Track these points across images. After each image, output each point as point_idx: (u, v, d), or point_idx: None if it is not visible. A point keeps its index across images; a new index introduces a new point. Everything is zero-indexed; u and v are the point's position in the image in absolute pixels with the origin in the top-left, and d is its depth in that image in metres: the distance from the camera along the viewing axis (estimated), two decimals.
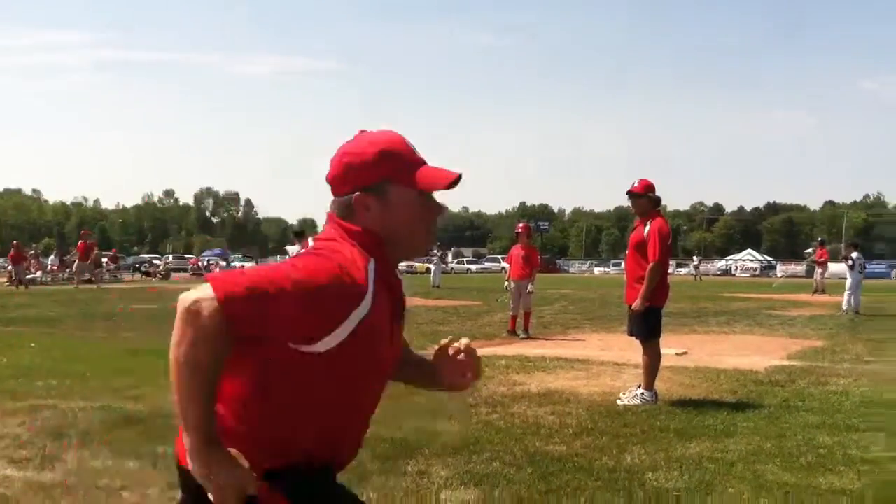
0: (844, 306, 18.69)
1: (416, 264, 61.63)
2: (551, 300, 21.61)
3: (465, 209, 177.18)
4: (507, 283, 13.60)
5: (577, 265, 76.00)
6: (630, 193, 7.27)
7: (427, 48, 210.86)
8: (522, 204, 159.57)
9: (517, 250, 13.44)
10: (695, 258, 58.49)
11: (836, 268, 50.39)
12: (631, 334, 7.40)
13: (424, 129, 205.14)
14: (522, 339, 12.61)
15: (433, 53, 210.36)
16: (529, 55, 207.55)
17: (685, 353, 10.52)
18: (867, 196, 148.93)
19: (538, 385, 7.99)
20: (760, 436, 5.87)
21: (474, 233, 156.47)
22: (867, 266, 23.66)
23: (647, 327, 7.16)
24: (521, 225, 14.16)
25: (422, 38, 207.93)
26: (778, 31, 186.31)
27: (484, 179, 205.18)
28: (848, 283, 19.09)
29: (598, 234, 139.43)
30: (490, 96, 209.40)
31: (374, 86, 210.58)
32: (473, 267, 72.75)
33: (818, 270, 30.10)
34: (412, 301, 21.18)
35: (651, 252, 7.06)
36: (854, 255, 20.01)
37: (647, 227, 7.14)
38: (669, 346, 9.07)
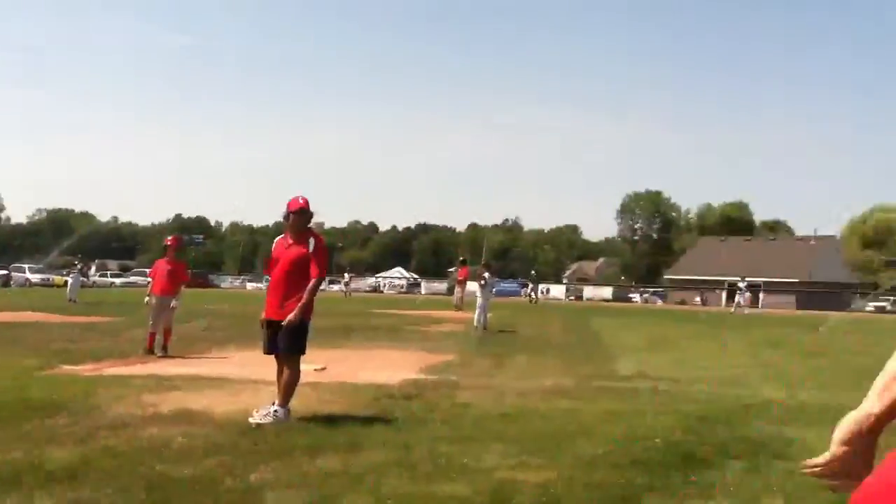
0: (475, 323, 20.06)
1: (55, 277, 57.36)
2: (197, 316, 21.07)
3: (115, 219, 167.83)
4: (147, 297, 13.00)
5: (229, 280, 74.62)
6: (299, 210, 7.26)
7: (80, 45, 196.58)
8: (178, 216, 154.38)
9: (162, 264, 12.93)
10: (346, 275, 59.86)
11: (473, 286, 53.72)
12: (270, 352, 7.35)
13: (77, 133, 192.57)
14: (160, 357, 12.13)
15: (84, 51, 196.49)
16: (186, 65, 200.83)
17: (323, 368, 10.69)
18: (506, 220, 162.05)
19: (171, 405, 7.70)
20: (388, 448, 6.08)
21: (123, 244, 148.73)
22: (501, 284, 25.68)
23: (299, 343, 7.20)
24: (170, 238, 13.66)
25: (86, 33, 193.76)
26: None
27: (137, 189, 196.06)
28: (479, 301, 20.50)
29: (256, 249, 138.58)
30: (143, 103, 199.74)
31: None
32: (118, 280, 68.93)
33: (457, 288, 32.07)
34: (47, 317, 19.75)
35: (319, 268, 7.20)
36: (486, 275, 21.56)
37: (313, 243, 7.23)
38: (310, 362, 9.17)
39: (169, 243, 13.32)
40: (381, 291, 69.93)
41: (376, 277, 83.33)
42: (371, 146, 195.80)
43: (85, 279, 38.46)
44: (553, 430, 7.04)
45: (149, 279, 13.39)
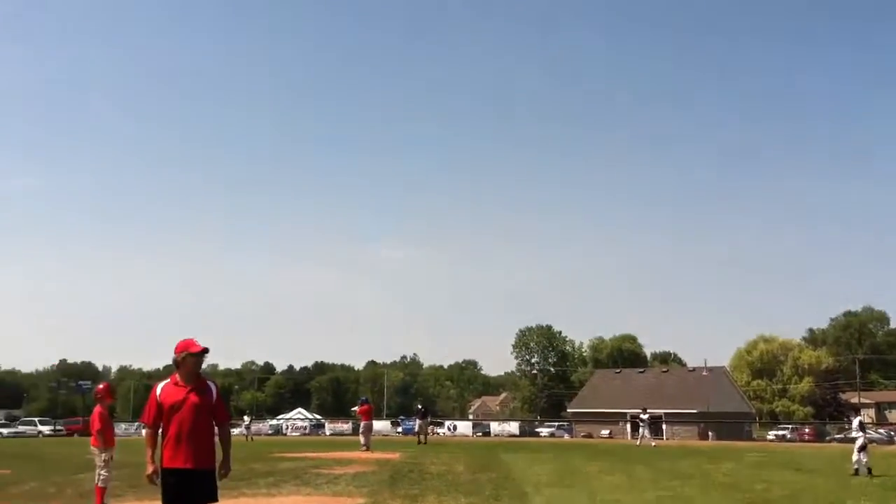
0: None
1: None
2: (91, 467, 19.95)
3: None
4: (99, 451, 11.97)
5: (123, 427, 71.37)
6: (201, 352, 6.99)
7: None
8: (63, 361, 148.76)
9: (104, 414, 12.19)
10: (245, 418, 58.20)
11: (378, 425, 52.67)
12: (194, 501, 6.88)
13: None
14: None
15: None
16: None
17: None
18: (404, 357, 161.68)
19: None
20: None
21: (6, 392, 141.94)
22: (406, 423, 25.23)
23: (216, 491, 6.86)
24: (102, 385, 12.89)
25: None
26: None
27: (18, 333, 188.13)
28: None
29: (146, 394, 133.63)
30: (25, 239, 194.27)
31: None
32: (5, 431, 65.40)
33: (363, 424, 31.52)
34: None
35: (227, 413, 7.10)
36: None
37: (214, 388, 7.02)
38: None
39: (102, 391, 12.54)
40: (285, 434, 68.02)
41: (278, 419, 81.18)
42: (261, 284, 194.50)
43: None
44: None
45: (93, 430, 12.20)
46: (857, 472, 19.81)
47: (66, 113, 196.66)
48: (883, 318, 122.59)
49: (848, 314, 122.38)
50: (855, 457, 20.36)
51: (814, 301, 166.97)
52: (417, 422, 41.47)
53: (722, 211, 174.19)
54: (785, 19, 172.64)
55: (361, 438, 31.12)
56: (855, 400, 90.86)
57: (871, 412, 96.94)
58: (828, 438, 60.00)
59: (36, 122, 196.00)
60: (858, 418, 22.29)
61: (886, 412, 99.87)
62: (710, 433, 63.42)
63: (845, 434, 59.37)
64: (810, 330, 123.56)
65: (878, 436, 55.31)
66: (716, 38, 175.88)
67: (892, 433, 55.45)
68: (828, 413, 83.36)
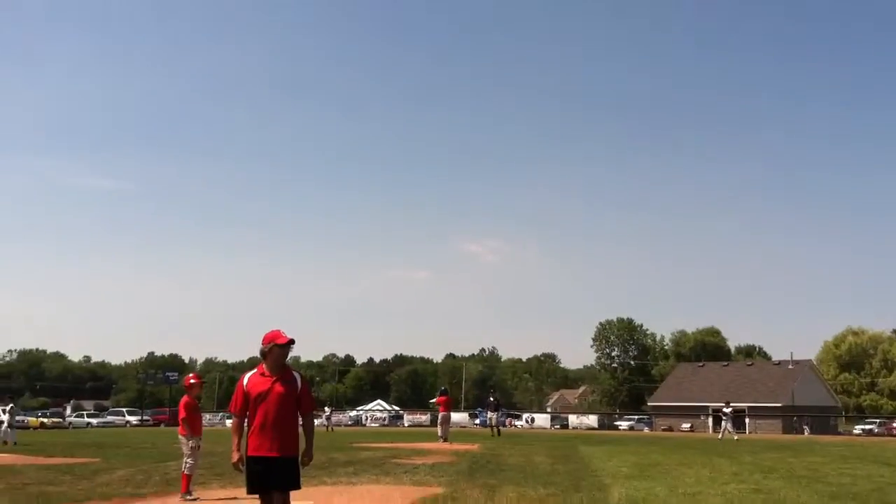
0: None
1: (29, 418, 56.43)
2: (177, 455, 20.51)
3: (87, 359, 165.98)
4: (189, 439, 12.39)
5: (208, 417, 73.03)
6: (288, 343, 7.13)
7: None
8: (151, 354, 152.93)
9: (192, 403, 12.64)
10: (326, 408, 59.05)
11: (456, 417, 52.77)
12: (261, 490, 7.07)
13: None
14: (193, 500, 11.72)
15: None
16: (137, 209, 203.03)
17: None
18: (483, 349, 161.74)
19: None
20: None
21: (97, 384, 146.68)
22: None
23: (299, 479, 7.03)
24: (193, 376, 13.27)
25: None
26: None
27: (107, 327, 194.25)
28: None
29: (231, 386, 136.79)
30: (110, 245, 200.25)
31: None
32: (94, 420, 67.60)
33: (441, 415, 31.69)
34: (20, 459, 19.24)
35: (312, 404, 7.26)
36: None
37: (299, 379, 7.16)
38: (295, 499, 8.92)
39: (194, 381, 12.97)
40: (364, 424, 68.87)
41: (358, 410, 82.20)
42: (341, 279, 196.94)
43: (19, 419, 37.04)
44: None
45: (180, 419, 12.59)
46: None
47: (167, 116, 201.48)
48: None
49: None
50: None
51: None
52: (489, 414, 40.86)
53: (810, 201, 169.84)
54: None
55: (439, 430, 31.30)
56: None
57: None
58: None
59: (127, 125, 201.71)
60: None
61: None
62: (804, 427, 62.07)
63: None
64: None
65: None
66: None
67: None
68: None
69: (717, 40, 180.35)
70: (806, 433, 59.07)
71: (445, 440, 29.88)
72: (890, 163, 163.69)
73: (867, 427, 64.72)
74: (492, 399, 40.90)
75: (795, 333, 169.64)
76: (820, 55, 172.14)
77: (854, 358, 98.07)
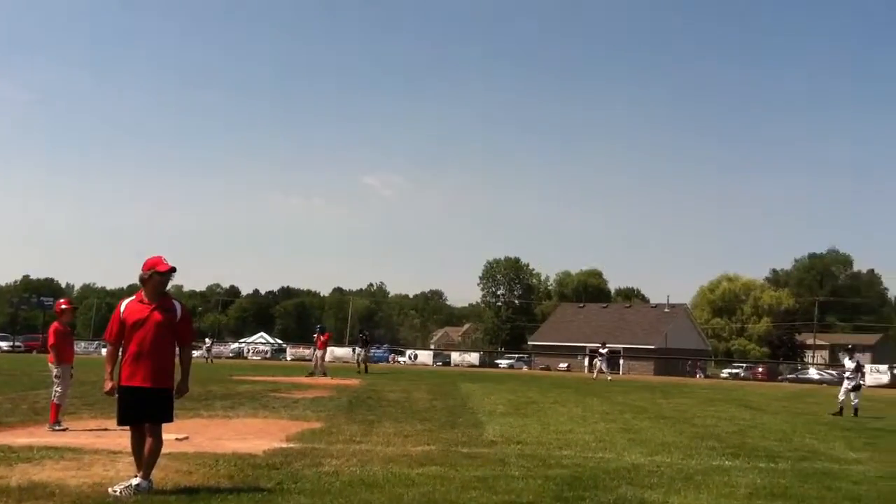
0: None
1: None
2: (47, 383, 19.91)
3: None
4: (57, 366, 11.89)
5: (83, 345, 71.07)
6: (169, 271, 6.93)
7: None
8: (26, 277, 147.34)
9: (62, 329, 12.10)
10: (207, 340, 58.25)
11: (340, 352, 52.98)
12: (134, 421, 6.93)
13: None
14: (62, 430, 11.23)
15: None
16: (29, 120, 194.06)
17: (186, 438, 10.30)
18: (371, 285, 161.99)
19: (20, 478, 7.21)
20: None
21: None
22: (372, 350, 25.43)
23: (171, 411, 6.94)
24: (64, 301, 12.72)
25: None
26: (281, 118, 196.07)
27: None
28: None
29: (109, 313, 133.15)
30: None
31: None
32: None
33: (318, 353, 31.59)
34: None
35: (190, 335, 7.22)
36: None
37: (179, 309, 7.01)
38: (169, 432, 8.79)
39: (65, 307, 12.42)
40: (245, 357, 68.28)
41: (239, 343, 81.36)
42: (232, 207, 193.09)
43: None
44: (420, 497, 6.96)
45: (49, 345, 12.01)
46: (841, 411, 19.95)
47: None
48: (847, 262, 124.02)
49: (812, 256, 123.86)
50: (842, 396, 20.46)
51: (780, 242, 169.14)
52: (357, 349, 40.65)
53: (693, 151, 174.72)
54: None
55: (315, 365, 31.46)
56: (811, 341, 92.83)
57: (825, 354, 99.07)
58: (780, 378, 61.35)
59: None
60: (857, 358, 21.85)
61: (840, 354, 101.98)
62: (665, 369, 64.65)
63: (797, 374, 60.93)
64: (774, 270, 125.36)
65: (828, 377, 56.59)
66: None
67: (843, 374, 56.62)
68: (782, 353, 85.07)
69: None
70: (699, 377, 61.60)
71: (325, 374, 29.98)
72: (755, 120, 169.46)
73: (734, 371, 67.92)
74: (361, 335, 40.89)
75: (674, 278, 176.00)
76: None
77: (727, 303, 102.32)
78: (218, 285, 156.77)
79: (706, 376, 63.96)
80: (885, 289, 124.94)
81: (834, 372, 59.43)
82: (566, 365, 67.41)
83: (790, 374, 63.10)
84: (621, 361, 63.97)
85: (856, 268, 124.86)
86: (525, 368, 66.71)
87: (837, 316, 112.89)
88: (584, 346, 65.28)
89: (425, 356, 70.43)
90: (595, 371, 42.84)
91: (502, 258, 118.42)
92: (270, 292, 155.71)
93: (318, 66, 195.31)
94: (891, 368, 55.44)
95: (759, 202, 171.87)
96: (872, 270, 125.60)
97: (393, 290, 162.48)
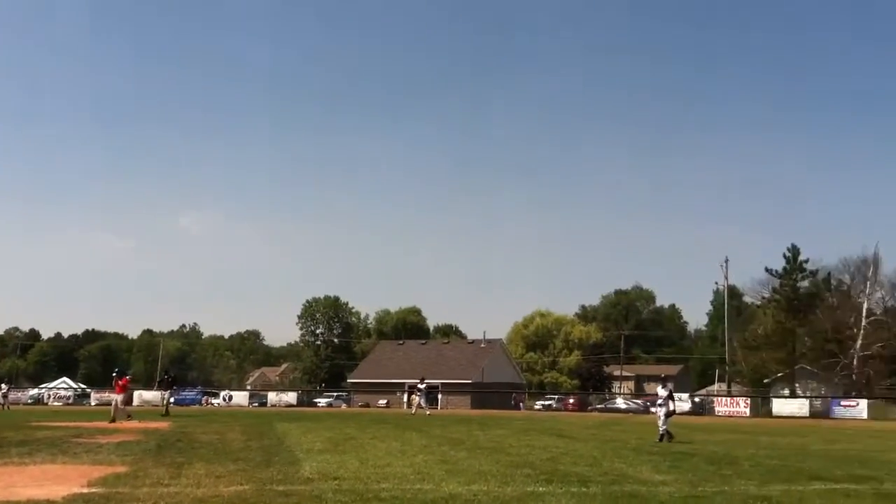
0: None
1: None
2: None
3: None
4: None
5: None
6: None
7: None
8: None
9: None
10: (3, 385, 54.37)
11: (149, 395, 50.77)
12: None
13: None
14: None
15: None
16: None
17: None
18: (184, 326, 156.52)
19: None
20: None
21: None
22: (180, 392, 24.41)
23: None
24: None
25: None
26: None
27: None
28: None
29: None
30: None
31: None
32: None
33: (117, 398, 29.77)
34: None
35: None
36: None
37: None
38: None
39: None
40: (46, 403, 64.13)
41: (39, 388, 76.39)
42: (28, 241, 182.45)
43: None
44: None
45: None
46: (661, 438, 20.84)
47: None
48: (650, 297, 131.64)
49: (619, 292, 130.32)
50: (661, 424, 21.41)
51: (590, 279, 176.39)
52: (162, 392, 39.07)
53: (508, 190, 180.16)
54: None
55: (112, 412, 29.63)
56: (618, 372, 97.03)
57: (631, 384, 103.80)
58: (590, 408, 63.76)
59: None
60: (669, 387, 23.17)
61: (644, 384, 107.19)
62: (482, 402, 65.78)
63: (606, 404, 63.48)
64: (583, 306, 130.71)
65: (634, 406, 59.31)
66: None
67: (648, 403, 59.58)
68: (592, 384, 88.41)
69: None
70: (522, 408, 62.85)
71: (129, 417, 28.65)
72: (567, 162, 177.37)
73: (547, 402, 69.95)
74: (166, 377, 39.59)
75: (490, 314, 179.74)
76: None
77: (540, 338, 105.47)
78: (17, 328, 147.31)
79: (523, 409, 65.58)
80: (685, 322, 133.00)
81: (639, 401, 62.46)
82: (385, 401, 67.32)
83: (599, 404, 65.66)
84: (440, 396, 64.53)
85: (658, 303, 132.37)
86: (344, 406, 66.13)
87: (642, 348, 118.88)
88: (404, 383, 65.50)
89: (240, 397, 68.41)
90: (414, 406, 42.99)
91: (321, 296, 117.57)
92: (74, 335, 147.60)
93: (128, 100, 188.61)
94: (691, 397, 58.79)
95: (570, 239, 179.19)
96: (674, 305, 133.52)
97: (207, 330, 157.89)
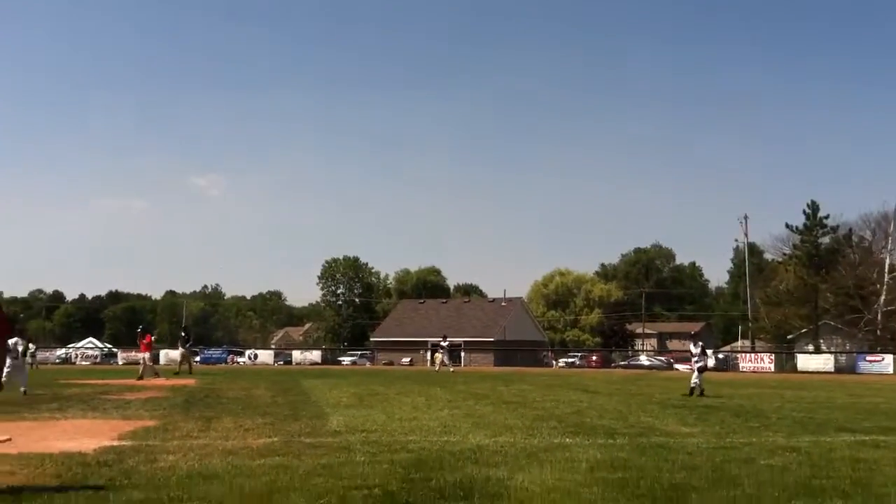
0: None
1: None
2: None
3: None
4: None
5: None
6: None
7: None
8: None
9: None
10: (31, 345, 55.08)
11: (174, 353, 51.18)
12: None
13: None
14: None
15: None
16: None
17: (8, 439, 9.66)
18: (206, 286, 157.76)
19: None
20: None
21: None
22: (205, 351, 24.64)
23: None
24: None
25: None
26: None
27: None
28: None
29: None
30: None
31: None
32: None
33: (145, 356, 29.96)
34: None
35: (4, 327, 6.94)
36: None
37: None
38: None
39: None
40: (73, 363, 65.00)
41: (67, 348, 77.41)
42: (50, 212, 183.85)
43: None
44: (262, 486, 6.73)
45: None
46: (692, 392, 20.83)
47: None
48: (670, 255, 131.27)
49: (638, 251, 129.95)
50: (694, 378, 21.41)
51: (609, 238, 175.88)
52: (179, 349, 38.69)
53: (527, 150, 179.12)
54: None
55: (145, 369, 29.79)
56: (640, 330, 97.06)
57: (654, 342, 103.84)
58: (613, 365, 63.88)
59: None
60: (700, 344, 23.05)
61: (667, 341, 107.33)
62: (504, 360, 66.03)
63: (629, 361, 63.56)
64: (602, 265, 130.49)
65: (658, 362, 59.35)
66: None
67: (672, 360, 59.63)
68: (614, 342, 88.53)
69: None
70: (554, 366, 63.24)
71: (157, 375, 28.98)
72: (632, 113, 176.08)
73: (570, 360, 70.15)
74: (183, 335, 39.37)
75: (509, 273, 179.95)
76: None
77: (560, 297, 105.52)
78: (41, 290, 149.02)
79: (555, 366, 65.85)
80: (706, 280, 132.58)
81: (662, 358, 62.48)
82: (409, 359, 67.76)
83: (622, 361, 65.76)
84: (462, 354, 64.87)
85: (678, 261, 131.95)
86: (368, 364, 66.58)
87: (663, 306, 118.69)
88: (426, 341, 65.82)
89: (266, 356, 69.03)
90: (437, 364, 43.23)
91: (341, 257, 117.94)
92: (98, 297, 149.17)
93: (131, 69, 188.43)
94: (715, 353, 58.68)
95: (587, 200, 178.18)
96: (694, 263, 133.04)
97: (229, 291, 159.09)
